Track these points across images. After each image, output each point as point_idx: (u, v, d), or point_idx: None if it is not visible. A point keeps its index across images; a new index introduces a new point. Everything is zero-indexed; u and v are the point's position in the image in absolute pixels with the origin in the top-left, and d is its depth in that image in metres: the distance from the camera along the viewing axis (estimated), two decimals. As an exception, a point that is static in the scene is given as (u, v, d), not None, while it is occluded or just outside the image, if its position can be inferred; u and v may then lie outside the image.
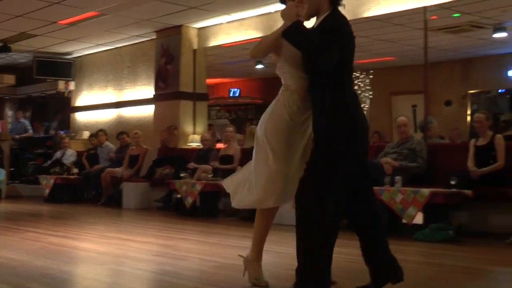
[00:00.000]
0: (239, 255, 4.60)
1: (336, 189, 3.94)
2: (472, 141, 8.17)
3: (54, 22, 12.30)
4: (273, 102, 4.34)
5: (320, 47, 3.89)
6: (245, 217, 9.34)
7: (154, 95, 13.23)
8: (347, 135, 3.96)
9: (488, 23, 11.89)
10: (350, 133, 3.97)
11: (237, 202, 4.45)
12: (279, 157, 4.13)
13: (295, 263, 5.41)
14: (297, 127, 4.17)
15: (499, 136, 7.98)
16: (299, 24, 3.95)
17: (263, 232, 4.48)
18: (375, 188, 7.66)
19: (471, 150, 7.97)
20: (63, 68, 15.86)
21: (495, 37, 12.54)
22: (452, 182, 7.36)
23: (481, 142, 7.96)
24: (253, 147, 10.35)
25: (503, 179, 7.49)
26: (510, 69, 15.12)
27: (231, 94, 19.97)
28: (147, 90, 13.63)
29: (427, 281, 4.93)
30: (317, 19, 4.07)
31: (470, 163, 7.84)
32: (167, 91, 12.85)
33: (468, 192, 7.32)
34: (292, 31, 3.93)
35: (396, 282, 4.14)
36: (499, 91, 15.90)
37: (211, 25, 12.51)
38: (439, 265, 5.62)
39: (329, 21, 4.00)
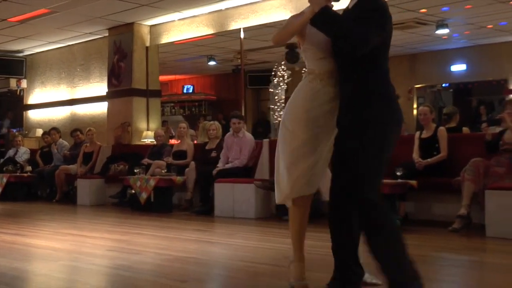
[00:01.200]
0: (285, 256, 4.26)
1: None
2: (417, 133, 8.28)
3: (4, 20, 12.09)
4: (296, 89, 4.03)
5: (354, 30, 3.55)
6: (199, 211, 9.36)
7: (107, 92, 13.13)
8: (397, 123, 3.76)
9: (431, 20, 12.10)
10: (398, 120, 3.76)
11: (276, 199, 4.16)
12: (306, 149, 3.86)
13: (248, 255, 5.47)
14: (324, 115, 3.86)
15: (442, 128, 8.10)
16: (329, 10, 3.65)
17: (299, 229, 4.13)
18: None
19: (416, 142, 8.08)
20: (15, 65, 15.61)
21: (437, 33, 12.78)
22: (398, 173, 7.44)
23: (425, 134, 8.07)
24: (206, 142, 10.39)
25: (446, 169, 7.65)
26: (453, 64, 15.41)
27: (184, 91, 19.94)
28: (100, 87, 13.51)
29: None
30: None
31: (415, 155, 7.94)
32: (120, 88, 12.77)
33: (413, 182, 7.41)
34: (322, 19, 3.61)
35: None
36: (443, 85, 16.19)
37: (163, 23, 12.47)
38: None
39: (369, 1, 3.70)
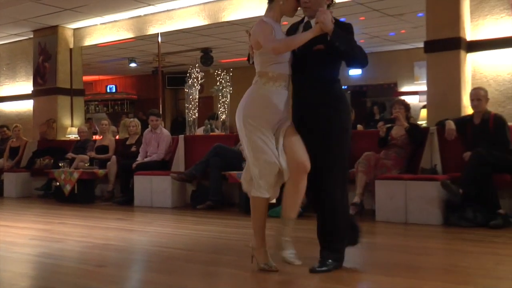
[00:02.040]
0: (246, 245, 4.16)
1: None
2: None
3: None
4: (250, 91, 4.06)
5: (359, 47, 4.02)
6: (120, 202, 9.29)
7: (32, 91, 12.81)
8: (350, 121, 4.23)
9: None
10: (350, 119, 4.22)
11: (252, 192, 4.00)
12: (270, 148, 3.88)
13: (164, 241, 5.47)
14: (278, 113, 3.97)
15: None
16: (340, 31, 3.87)
17: (264, 219, 4.04)
18: (234, 172, 7.88)
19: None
20: None
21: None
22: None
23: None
24: (126, 138, 10.26)
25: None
26: (350, 69, 15.74)
27: (108, 90, 19.72)
28: (26, 86, 13.18)
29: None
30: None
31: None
32: (45, 87, 12.51)
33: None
34: (341, 38, 3.85)
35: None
36: (343, 87, 16.52)
37: (86, 26, 12.26)
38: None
39: (338, 20, 3.97)
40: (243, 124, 3.94)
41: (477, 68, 7.80)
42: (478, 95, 6.92)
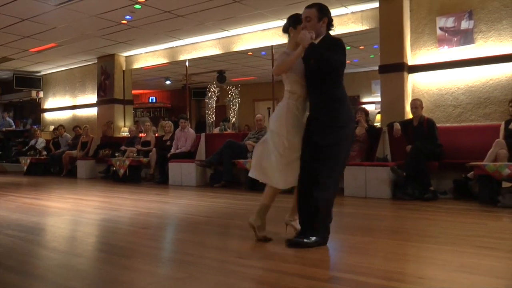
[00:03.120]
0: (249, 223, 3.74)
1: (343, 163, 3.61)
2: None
3: (27, 50, 11.59)
4: (282, 105, 3.65)
5: (334, 56, 3.45)
6: (159, 181, 9.29)
7: (97, 101, 12.80)
8: (352, 121, 3.65)
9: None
10: (352, 119, 3.67)
11: (275, 182, 3.62)
12: (296, 148, 3.52)
13: (190, 210, 5.45)
14: (301, 123, 3.59)
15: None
16: (316, 45, 3.47)
17: (270, 204, 3.73)
18: (241, 160, 7.86)
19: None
20: (35, 81, 15.05)
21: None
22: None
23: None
24: (163, 135, 10.23)
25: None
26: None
27: (150, 101, 19.69)
28: (92, 97, 13.16)
29: (279, 216, 5.08)
30: (315, 39, 3.53)
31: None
32: (106, 98, 12.48)
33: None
34: (315, 51, 3.43)
35: None
36: (341, 101, 16.44)
37: (134, 54, 12.22)
38: (282, 207, 5.79)
39: (330, 39, 3.59)
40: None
41: (415, 84, 7.75)
42: (416, 104, 6.92)
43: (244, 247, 3.52)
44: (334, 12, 8.37)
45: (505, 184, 5.53)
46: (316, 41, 3.54)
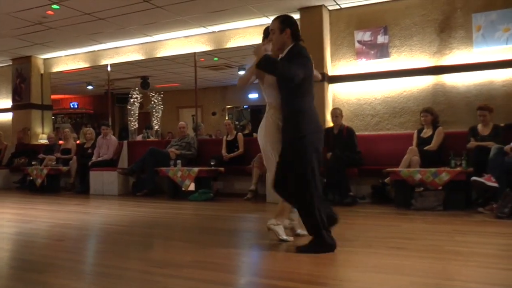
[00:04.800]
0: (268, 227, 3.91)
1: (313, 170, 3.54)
2: (224, 137, 8.44)
3: None
4: (264, 117, 3.87)
5: (288, 68, 3.47)
6: (79, 191, 8.95)
7: (12, 105, 12.08)
8: (315, 132, 3.60)
9: (235, 64, 12.38)
10: (316, 130, 3.62)
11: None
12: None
13: (110, 220, 5.27)
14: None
15: (240, 134, 8.36)
16: (267, 56, 3.51)
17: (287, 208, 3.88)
18: (163, 168, 7.76)
19: (224, 143, 8.26)
20: None
21: (239, 73, 13.11)
22: (212, 163, 7.57)
23: (230, 137, 8.27)
24: (84, 142, 9.86)
25: (243, 160, 7.88)
26: (249, 93, 15.87)
27: (71, 106, 18.96)
28: (7, 102, 12.42)
29: (200, 224, 5.04)
30: (283, 52, 3.68)
31: (223, 151, 8.11)
32: (22, 102, 11.83)
33: (222, 168, 7.57)
34: (262, 62, 3.48)
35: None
36: (244, 106, 16.59)
37: (53, 57, 11.70)
38: (203, 215, 5.77)
39: (293, 49, 3.64)
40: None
41: (335, 94, 8.04)
42: (336, 113, 7.17)
43: (165, 257, 3.47)
44: (255, 22, 8.54)
45: (417, 189, 5.88)
46: (284, 53, 3.68)
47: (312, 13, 7.93)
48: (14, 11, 8.13)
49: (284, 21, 3.75)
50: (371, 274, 2.90)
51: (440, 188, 5.77)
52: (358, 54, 7.82)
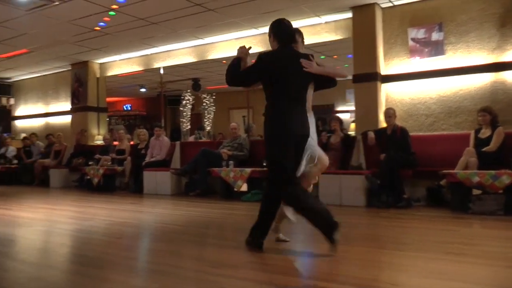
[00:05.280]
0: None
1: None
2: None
3: (-4, 57, 11.42)
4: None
5: (238, 73, 3.71)
6: (133, 190, 9.20)
7: (70, 108, 12.63)
8: (274, 136, 3.59)
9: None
10: (275, 135, 3.59)
11: None
12: None
13: (165, 219, 5.39)
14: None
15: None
16: (237, 59, 3.73)
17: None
18: (216, 169, 7.85)
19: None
20: (5, 88, 14.76)
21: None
22: (264, 163, 7.56)
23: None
24: (138, 143, 10.10)
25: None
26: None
27: (125, 108, 19.53)
28: (66, 105, 12.99)
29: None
30: None
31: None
32: (79, 105, 12.33)
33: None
34: (230, 64, 3.73)
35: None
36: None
37: (108, 61, 12.11)
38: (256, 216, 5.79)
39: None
40: None
41: (388, 94, 7.89)
42: (389, 113, 7.03)
43: (220, 257, 3.52)
44: (307, 22, 8.50)
45: (475, 192, 5.66)
46: None
47: (365, 11, 7.81)
48: (73, 18, 8.47)
49: (272, 27, 3.81)
50: (430, 280, 2.81)
51: (501, 191, 5.54)
52: (412, 52, 7.64)
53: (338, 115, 9.93)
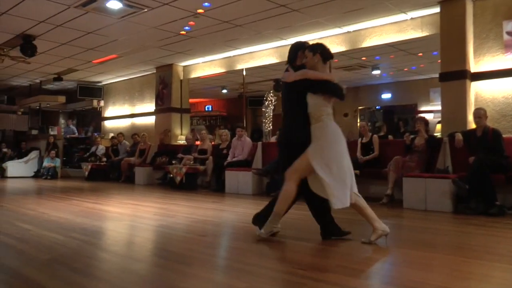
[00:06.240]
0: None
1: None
2: (359, 139, 8.30)
3: (89, 61, 12.13)
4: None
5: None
6: (215, 189, 9.38)
7: (155, 109, 13.16)
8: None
9: (369, 64, 12.11)
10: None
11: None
12: None
13: (247, 219, 5.46)
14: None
15: (375, 136, 8.15)
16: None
17: None
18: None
19: (359, 145, 8.12)
20: (96, 91, 15.73)
21: (373, 73, 12.81)
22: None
23: (365, 140, 8.11)
24: (219, 143, 10.38)
25: (378, 163, 7.67)
26: (382, 94, 15.43)
27: (206, 109, 20.02)
28: (150, 106, 13.55)
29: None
30: None
31: (358, 153, 7.98)
32: (163, 106, 12.82)
33: (357, 171, 7.38)
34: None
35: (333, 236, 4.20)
36: (376, 107, 16.17)
37: (192, 64, 12.49)
38: (339, 218, 5.70)
39: None
40: None
41: (478, 93, 7.48)
42: (480, 114, 6.64)
43: (307, 259, 3.49)
44: (392, 19, 8.26)
45: None
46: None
47: (454, 5, 7.45)
48: (160, 24, 8.81)
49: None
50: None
51: None
52: (507, 47, 7.17)
53: (422, 115, 9.56)
